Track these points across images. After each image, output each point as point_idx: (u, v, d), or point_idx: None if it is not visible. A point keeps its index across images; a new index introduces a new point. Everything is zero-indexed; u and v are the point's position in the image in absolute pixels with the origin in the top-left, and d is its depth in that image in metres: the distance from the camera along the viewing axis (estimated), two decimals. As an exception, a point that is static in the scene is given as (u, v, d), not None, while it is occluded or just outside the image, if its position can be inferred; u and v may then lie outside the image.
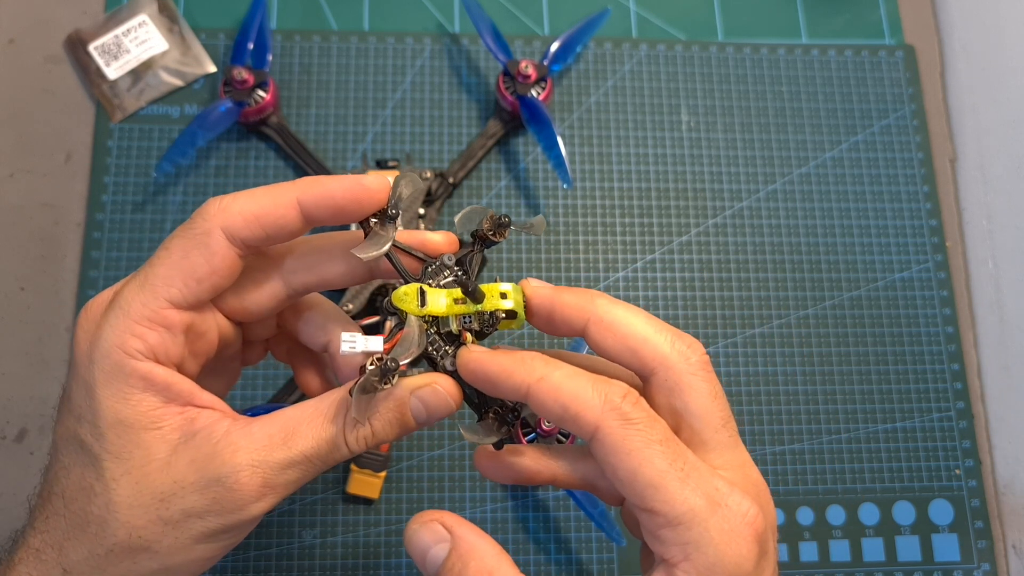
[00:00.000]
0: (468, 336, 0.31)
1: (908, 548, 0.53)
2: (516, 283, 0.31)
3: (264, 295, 0.33)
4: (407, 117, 0.58)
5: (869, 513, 0.53)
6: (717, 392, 0.29)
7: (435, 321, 0.31)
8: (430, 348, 0.31)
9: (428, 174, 0.54)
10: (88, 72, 0.57)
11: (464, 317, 0.31)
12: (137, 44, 0.57)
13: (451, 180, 0.55)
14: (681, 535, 0.26)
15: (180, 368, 0.31)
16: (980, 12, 0.60)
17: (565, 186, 0.56)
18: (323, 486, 0.51)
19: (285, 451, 0.29)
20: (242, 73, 0.54)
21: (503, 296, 0.31)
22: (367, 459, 0.49)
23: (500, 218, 0.32)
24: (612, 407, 0.27)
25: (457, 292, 0.31)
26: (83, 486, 0.29)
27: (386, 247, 0.30)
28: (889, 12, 0.63)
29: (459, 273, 0.31)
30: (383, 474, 0.50)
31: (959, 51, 0.62)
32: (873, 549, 0.52)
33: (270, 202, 0.30)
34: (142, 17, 0.58)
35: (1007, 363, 0.55)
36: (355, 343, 0.29)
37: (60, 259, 0.54)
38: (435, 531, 0.29)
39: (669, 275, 0.56)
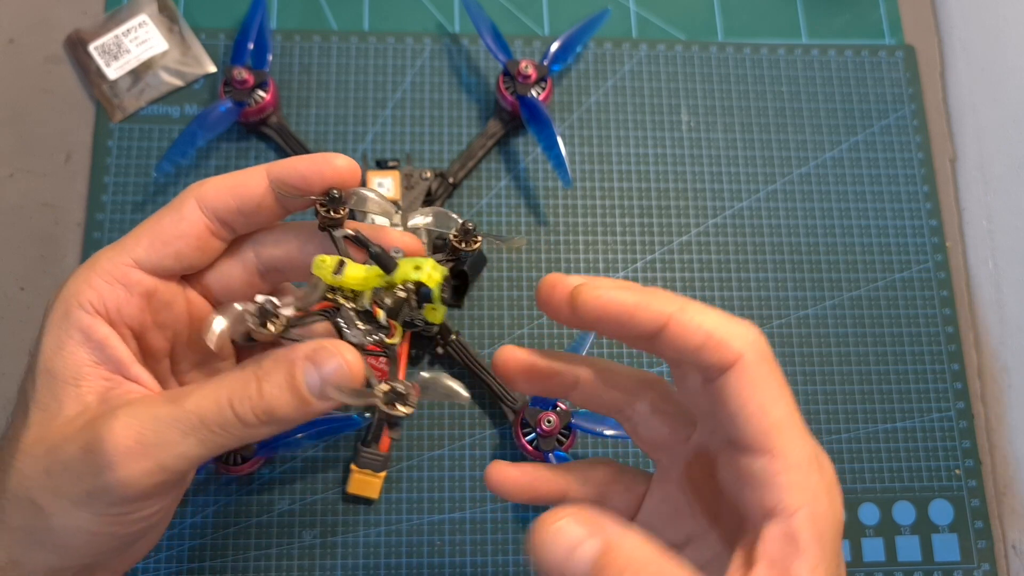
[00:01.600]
0: (380, 312, 0.29)
1: (908, 548, 0.53)
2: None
3: (235, 268, 0.33)
4: (407, 117, 0.58)
5: (869, 513, 0.53)
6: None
7: (356, 299, 0.30)
8: (341, 322, 0.29)
9: (428, 174, 0.54)
10: (88, 72, 0.57)
11: (376, 291, 0.29)
12: (137, 44, 0.57)
13: (451, 180, 0.55)
14: (803, 479, 0.26)
15: (142, 337, 0.31)
16: (980, 12, 0.60)
17: (565, 186, 0.56)
18: (323, 486, 0.51)
19: (167, 407, 0.28)
20: (242, 73, 0.54)
21: (417, 269, 0.29)
22: (367, 459, 0.49)
23: (465, 224, 0.31)
24: (753, 340, 0.27)
25: (379, 269, 0.29)
26: (10, 435, 0.29)
27: (307, 200, 0.30)
28: (889, 12, 0.63)
29: (370, 244, 0.30)
30: (383, 474, 0.50)
31: (959, 51, 0.62)
32: (873, 549, 0.52)
33: (241, 176, 0.31)
34: (142, 17, 0.58)
35: (1007, 363, 0.55)
36: (267, 300, 0.28)
37: (60, 259, 0.54)
38: (574, 532, 0.25)
39: (669, 275, 0.56)
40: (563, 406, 0.50)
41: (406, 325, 0.30)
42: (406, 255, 0.30)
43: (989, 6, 0.59)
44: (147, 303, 0.30)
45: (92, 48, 0.57)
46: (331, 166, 0.31)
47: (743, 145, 0.59)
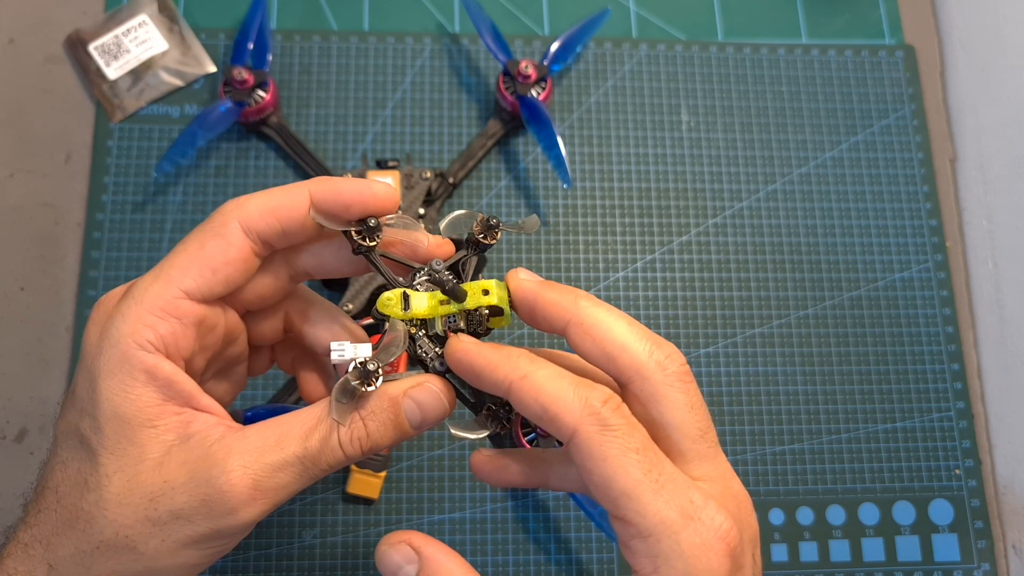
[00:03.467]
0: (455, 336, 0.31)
1: (908, 548, 0.53)
2: (502, 279, 0.31)
3: (267, 278, 0.33)
4: (407, 117, 0.58)
5: (869, 513, 0.53)
6: (695, 403, 0.28)
7: (424, 324, 0.31)
8: (419, 351, 0.31)
9: (428, 174, 0.54)
10: (88, 72, 0.57)
11: (449, 318, 0.31)
12: (137, 44, 0.57)
13: (451, 180, 0.55)
14: (651, 547, 0.26)
15: (189, 363, 0.31)
16: (980, 12, 0.60)
17: (565, 186, 0.56)
18: (323, 486, 0.51)
19: (277, 453, 0.29)
20: (242, 73, 0.54)
21: (485, 293, 0.30)
22: (367, 459, 0.49)
23: (489, 220, 0.31)
24: (591, 412, 0.27)
25: (441, 294, 0.30)
26: (78, 481, 0.29)
27: (345, 228, 0.31)
28: (889, 12, 0.63)
29: (436, 274, 0.31)
30: (383, 474, 0.50)
31: (959, 51, 0.62)
32: (873, 549, 0.52)
33: (284, 197, 0.31)
34: (142, 17, 0.58)
35: (1007, 363, 0.55)
36: (344, 350, 0.30)
37: (60, 259, 0.54)
38: (404, 552, 0.29)
39: (669, 275, 0.56)
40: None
41: (474, 334, 0.31)
42: (443, 260, 0.31)
43: (989, 6, 0.59)
44: (197, 331, 0.30)
45: (92, 48, 0.57)
46: (374, 195, 0.31)
47: (743, 145, 0.59)
